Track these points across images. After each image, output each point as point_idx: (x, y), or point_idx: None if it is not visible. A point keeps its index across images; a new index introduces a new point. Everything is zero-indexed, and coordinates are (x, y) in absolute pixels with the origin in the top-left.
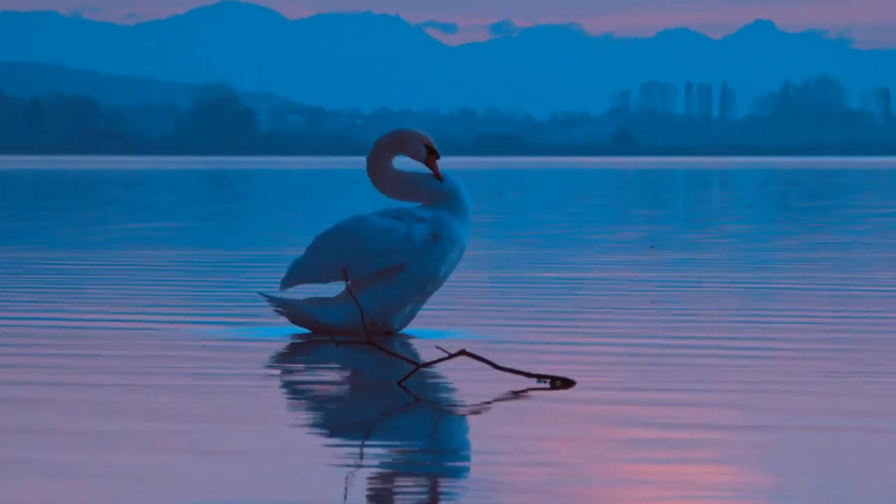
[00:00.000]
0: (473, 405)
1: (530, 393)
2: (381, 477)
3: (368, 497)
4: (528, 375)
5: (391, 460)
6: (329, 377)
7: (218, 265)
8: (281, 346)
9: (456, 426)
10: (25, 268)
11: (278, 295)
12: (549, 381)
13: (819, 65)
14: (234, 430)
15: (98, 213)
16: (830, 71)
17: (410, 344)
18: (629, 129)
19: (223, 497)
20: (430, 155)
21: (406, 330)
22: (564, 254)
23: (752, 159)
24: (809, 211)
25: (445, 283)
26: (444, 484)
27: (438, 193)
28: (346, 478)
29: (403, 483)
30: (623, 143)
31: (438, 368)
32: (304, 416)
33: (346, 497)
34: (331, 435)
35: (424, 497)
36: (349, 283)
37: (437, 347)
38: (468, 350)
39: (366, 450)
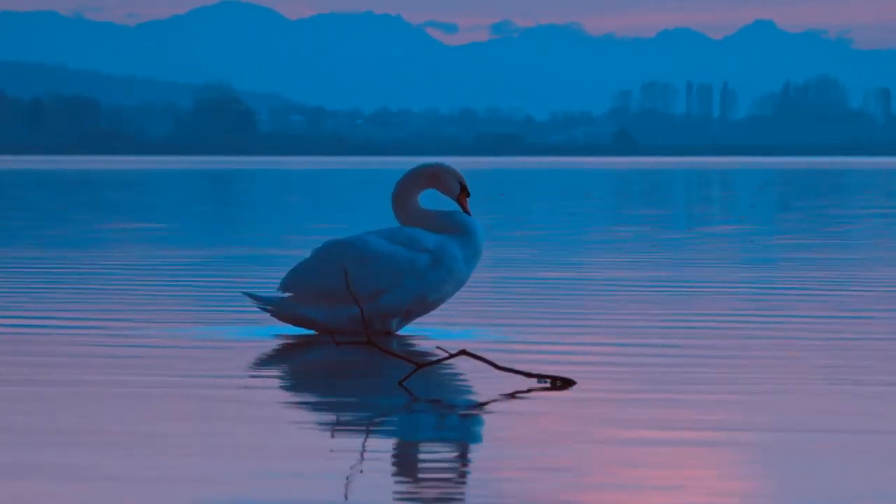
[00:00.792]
0: (474, 405)
1: (531, 393)
2: (381, 477)
3: (369, 497)
4: (529, 375)
5: (392, 460)
6: (329, 377)
7: (217, 265)
8: (281, 346)
9: (456, 426)
10: (24, 268)
11: (262, 294)
12: (549, 380)
13: (819, 65)
14: (234, 430)
15: (96, 214)
16: (831, 71)
17: (411, 344)
18: (630, 129)
19: (222, 497)
20: (462, 192)
21: (406, 330)
22: (565, 254)
23: (752, 159)
24: (810, 211)
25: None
26: (445, 484)
27: (455, 230)
28: (347, 478)
29: (404, 483)
30: (623, 144)
31: (439, 368)
32: (305, 416)
33: (346, 497)
34: (331, 435)
35: (425, 497)
36: (349, 284)
37: (438, 347)
38: (468, 350)
39: (366, 450)
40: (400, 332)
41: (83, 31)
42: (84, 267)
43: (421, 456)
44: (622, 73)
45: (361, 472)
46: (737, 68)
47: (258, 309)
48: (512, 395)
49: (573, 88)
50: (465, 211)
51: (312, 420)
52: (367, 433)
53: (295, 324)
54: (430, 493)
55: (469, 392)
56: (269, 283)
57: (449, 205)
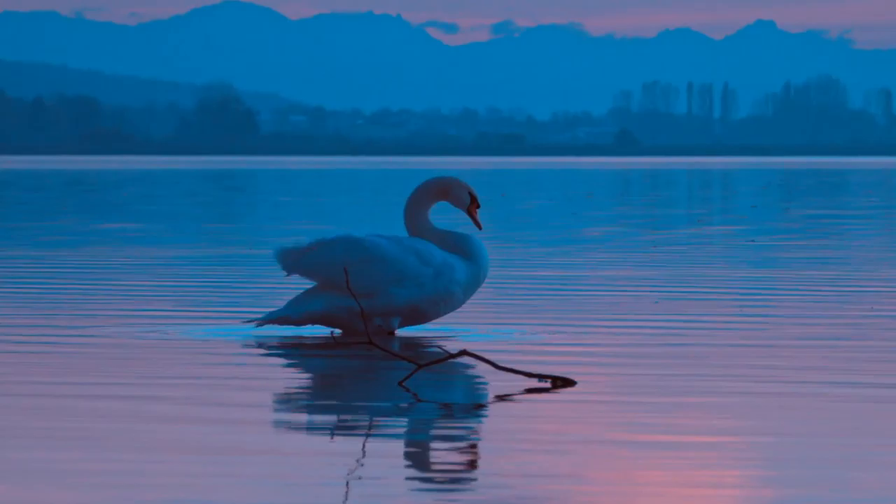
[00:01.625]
0: (474, 405)
1: (531, 393)
2: (381, 477)
3: (369, 497)
4: (529, 375)
5: (392, 460)
6: (330, 377)
7: (217, 265)
8: (281, 345)
9: (456, 426)
10: (25, 268)
11: (265, 315)
12: (549, 381)
13: (820, 65)
14: (234, 430)
15: (96, 214)
16: (832, 71)
17: (411, 344)
18: (631, 129)
19: (221, 499)
20: (472, 203)
21: (407, 330)
22: (566, 253)
23: (753, 159)
24: (811, 211)
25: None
26: (446, 484)
27: (464, 255)
28: (347, 478)
29: (405, 483)
30: (624, 143)
31: (440, 368)
32: (305, 417)
33: (346, 497)
34: (332, 435)
35: (425, 497)
36: (349, 283)
37: (439, 347)
38: (469, 350)
39: (367, 449)
40: (400, 332)
41: (84, 31)
42: (83, 266)
43: (421, 456)
44: (623, 73)
45: (362, 472)
46: (737, 68)
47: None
48: (512, 396)
49: (574, 88)
50: (476, 223)
51: (313, 420)
52: (368, 433)
53: (302, 324)
54: (431, 492)
55: (469, 392)
56: (270, 281)
57: (456, 214)
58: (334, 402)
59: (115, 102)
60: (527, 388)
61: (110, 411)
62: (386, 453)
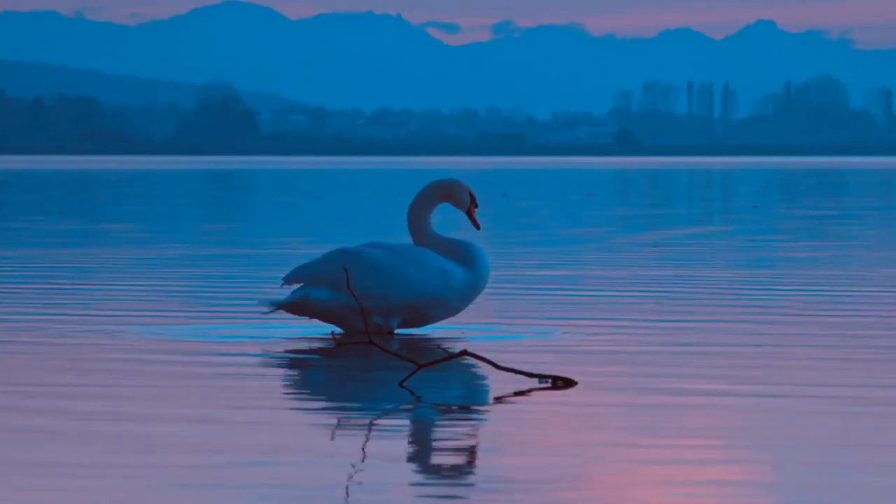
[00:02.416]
0: (474, 405)
1: (532, 393)
2: (382, 477)
3: (369, 497)
4: (530, 375)
5: (393, 460)
6: (330, 377)
7: (216, 265)
8: (281, 345)
9: (457, 426)
10: (26, 268)
11: (274, 299)
12: (550, 381)
13: (821, 65)
14: (234, 430)
15: (97, 214)
16: (832, 71)
17: (412, 344)
18: (631, 129)
19: (220, 497)
20: (471, 204)
21: (407, 330)
22: (566, 253)
23: (753, 159)
24: (812, 211)
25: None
26: (446, 484)
27: (465, 262)
28: (348, 478)
29: (405, 483)
30: (625, 143)
31: (440, 368)
32: (305, 417)
33: (347, 497)
34: (332, 435)
35: (426, 497)
36: (349, 282)
37: (439, 347)
38: (470, 350)
39: (367, 450)
40: (401, 332)
41: (84, 31)
42: (83, 266)
43: (421, 456)
44: (623, 72)
45: (362, 472)
46: (738, 68)
47: (268, 311)
48: (513, 396)
49: (574, 88)
50: (475, 222)
51: (313, 420)
52: (368, 433)
53: (306, 314)
54: (431, 492)
55: (470, 392)
56: (271, 282)
57: (454, 215)
58: (334, 402)
59: (115, 102)
60: (527, 388)
61: (110, 411)
62: (386, 453)
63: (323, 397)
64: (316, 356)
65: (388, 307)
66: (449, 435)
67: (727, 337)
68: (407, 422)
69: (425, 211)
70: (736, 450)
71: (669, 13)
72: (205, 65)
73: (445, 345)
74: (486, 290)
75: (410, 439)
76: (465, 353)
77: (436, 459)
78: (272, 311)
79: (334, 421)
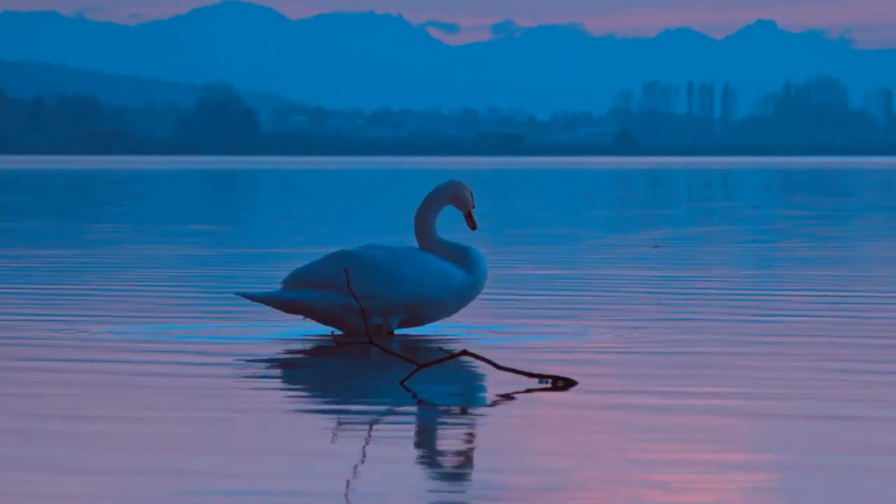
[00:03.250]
0: (475, 405)
1: (532, 393)
2: (382, 477)
3: (370, 497)
4: (530, 375)
5: (393, 460)
6: (330, 377)
7: (215, 266)
8: (281, 345)
9: (457, 426)
10: (27, 268)
11: (257, 292)
12: (550, 381)
13: (821, 65)
14: (234, 431)
15: (97, 214)
16: (832, 71)
17: (412, 343)
18: (631, 129)
19: (221, 497)
20: (470, 204)
21: (407, 329)
22: (566, 253)
23: (753, 159)
24: (813, 211)
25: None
26: (447, 483)
27: (463, 263)
28: (348, 477)
29: (405, 482)
30: (625, 143)
31: (440, 368)
32: (305, 417)
33: (347, 497)
34: (332, 435)
35: (426, 496)
36: (350, 282)
37: (439, 348)
38: (470, 350)
39: (367, 450)
40: (401, 332)
41: (85, 31)
42: (83, 266)
43: (422, 456)
44: (623, 72)
45: (362, 472)
46: (738, 68)
47: (252, 303)
48: (513, 395)
49: (574, 88)
50: (473, 222)
51: (313, 420)
52: (369, 433)
53: (292, 310)
54: (431, 492)
55: (470, 392)
56: (272, 282)
57: (455, 216)
58: (334, 402)
59: (115, 102)
60: (527, 388)
61: (108, 411)
62: (386, 453)
63: (323, 397)
64: (316, 356)
65: (387, 307)
66: (449, 435)
67: (728, 337)
68: (407, 422)
69: (432, 215)
70: (737, 450)
71: (669, 13)
72: (205, 65)
73: (445, 345)
74: (486, 290)
75: (410, 439)
76: (465, 353)
77: (436, 459)
78: (259, 303)
79: (334, 421)
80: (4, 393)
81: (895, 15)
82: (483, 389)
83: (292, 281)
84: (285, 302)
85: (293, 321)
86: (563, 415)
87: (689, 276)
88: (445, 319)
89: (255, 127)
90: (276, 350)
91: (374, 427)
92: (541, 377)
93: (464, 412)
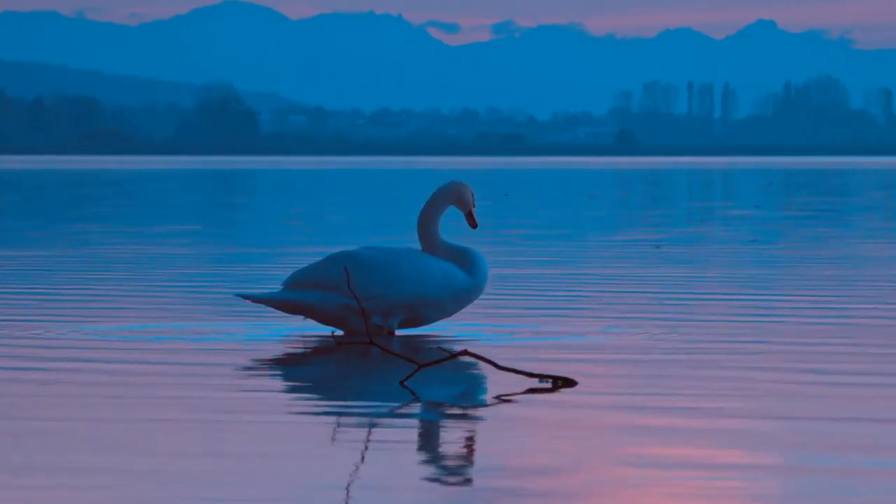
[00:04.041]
0: (475, 405)
1: (532, 393)
2: (382, 477)
3: (370, 497)
4: (530, 375)
5: (393, 460)
6: (331, 377)
7: (215, 266)
8: (281, 346)
9: (457, 426)
10: (28, 269)
11: (257, 293)
12: (550, 381)
13: (821, 65)
14: (234, 431)
15: (97, 214)
16: (832, 71)
17: (412, 344)
18: (631, 129)
19: (222, 497)
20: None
21: (408, 329)
22: (567, 253)
23: (753, 159)
24: (815, 211)
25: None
26: (447, 484)
27: (464, 265)
28: (348, 477)
29: (405, 482)
30: (625, 143)
31: (440, 368)
32: (306, 417)
33: (347, 497)
34: (332, 435)
35: (426, 497)
36: (350, 282)
37: (439, 348)
38: (470, 350)
39: (367, 450)
40: (401, 333)
41: (85, 31)
42: (83, 266)
43: (422, 456)
44: (623, 72)
45: (362, 472)
46: (738, 68)
47: (253, 303)
48: (513, 396)
49: (574, 88)
50: (474, 221)
51: (314, 420)
52: (369, 433)
53: (293, 310)
54: (431, 492)
55: (470, 392)
56: (267, 284)
57: (455, 216)
58: (334, 402)
59: (115, 102)
60: (527, 388)
61: (108, 411)
62: (386, 453)
63: (323, 397)
64: (316, 356)
65: (387, 307)
66: (449, 435)
67: (728, 338)
68: (407, 422)
69: (436, 217)
70: (737, 451)
71: (670, 13)
72: (205, 65)
73: (445, 345)
74: (487, 290)
75: (410, 439)
76: (465, 352)
77: (436, 459)
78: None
79: (334, 421)
80: (6, 393)
81: (895, 15)
82: (483, 389)
83: (292, 282)
84: (286, 302)
85: (293, 321)
86: (563, 415)
87: (689, 276)
88: (446, 319)
89: (255, 127)
90: (276, 350)
91: (374, 427)
92: (541, 377)
93: (464, 412)
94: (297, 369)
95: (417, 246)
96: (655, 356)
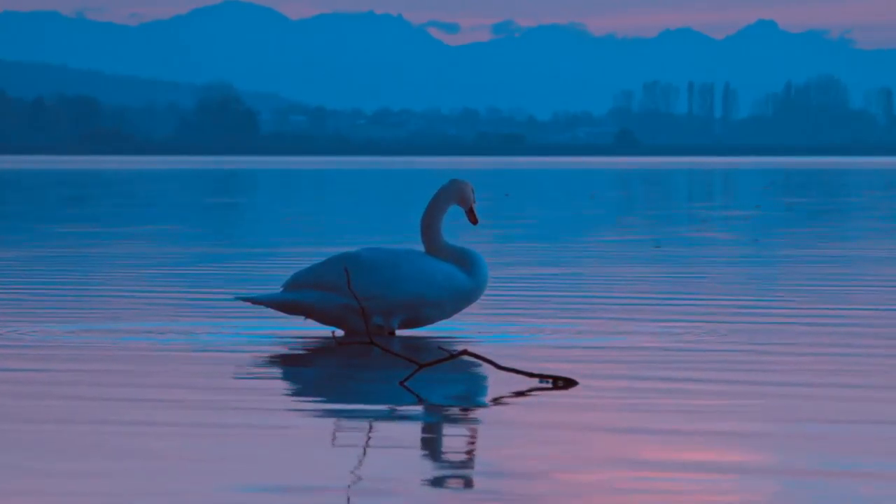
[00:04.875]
0: (475, 405)
1: (532, 393)
2: (382, 477)
3: (370, 497)
4: (531, 375)
5: (393, 460)
6: (331, 377)
7: (215, 266)
8: (282, 346)
9: (457, 426)
10: (28, 269)
11: (256, 294)
12: (551, 381)
13: (821, 65)
14: (234, 431)
15: (98, 213)
16: (832, 71)
17: (412, 344)
18: (631, 129)
19: (222, 497)
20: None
21: (408, 329)
22: (567, 252)
23: (754, 159)
24: (816, 211)
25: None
26: (446, 484)
27: (465, 266)
28: (348, 477)
29: (405, 483)
30: (625, 143)
31: (440, 368)
32: (306, 417)
33: (347, 497)
34: (333, 435)
35: (426, 497)
36: (350, 283)
37: (440, 347)
38: (470, 350)
39: (367, 450)
40: (401, 333)
41: (85, 31)
42: (84, 267)
43: (422, 456)
44: (624, 72)
45: (362, 472)
46: (738, 68)
47: (253, 305)
48: (513, 396)
49: (575, 88)
50: (475, 217)
51: (314, 420)
52: (369, 433)
53: (293, 311)
54: (431, 492)
55: (470, 392)
56: (267, 284)
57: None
58: (334, 403)
59: (115, 102)
60: (528, 388)
61: (108, 411)
62: (386, 453)
63: (323, 397)
64: (316, 356)
65: (388, 307)
66: (449, 435)
67: (728, 337)
68: (407, 422)
69: (438, 217)
70: (737, 452)
71: (670, 13)
72: (205, 65)
73: (446, 345)
74: (487, 290)
75: (411, 439)
76: (465, 352)
77: (436, 459)
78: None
79: (334, 421)
80: (5, 393)
81: (895, 15)
82: (483, 389)
83: (293, 283)
84: (285, 303)
85: (294, 321)
86: (563, 415)
87: (690, 275)
88: (446, 320)
89: (255, 127)
90: (276, 350)
91: (374, 427)
92: (541, 377)
93: (464, 412)
94: (297, 369)
95: (418, 247)
96: (656, 356)
